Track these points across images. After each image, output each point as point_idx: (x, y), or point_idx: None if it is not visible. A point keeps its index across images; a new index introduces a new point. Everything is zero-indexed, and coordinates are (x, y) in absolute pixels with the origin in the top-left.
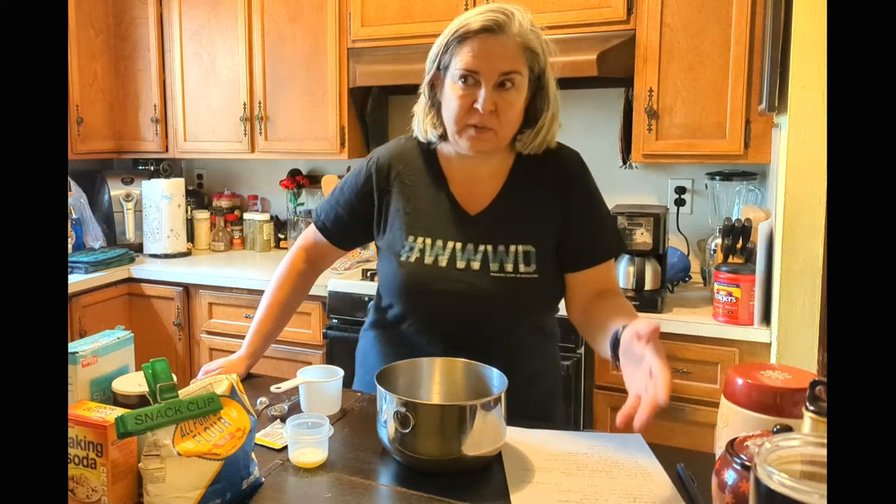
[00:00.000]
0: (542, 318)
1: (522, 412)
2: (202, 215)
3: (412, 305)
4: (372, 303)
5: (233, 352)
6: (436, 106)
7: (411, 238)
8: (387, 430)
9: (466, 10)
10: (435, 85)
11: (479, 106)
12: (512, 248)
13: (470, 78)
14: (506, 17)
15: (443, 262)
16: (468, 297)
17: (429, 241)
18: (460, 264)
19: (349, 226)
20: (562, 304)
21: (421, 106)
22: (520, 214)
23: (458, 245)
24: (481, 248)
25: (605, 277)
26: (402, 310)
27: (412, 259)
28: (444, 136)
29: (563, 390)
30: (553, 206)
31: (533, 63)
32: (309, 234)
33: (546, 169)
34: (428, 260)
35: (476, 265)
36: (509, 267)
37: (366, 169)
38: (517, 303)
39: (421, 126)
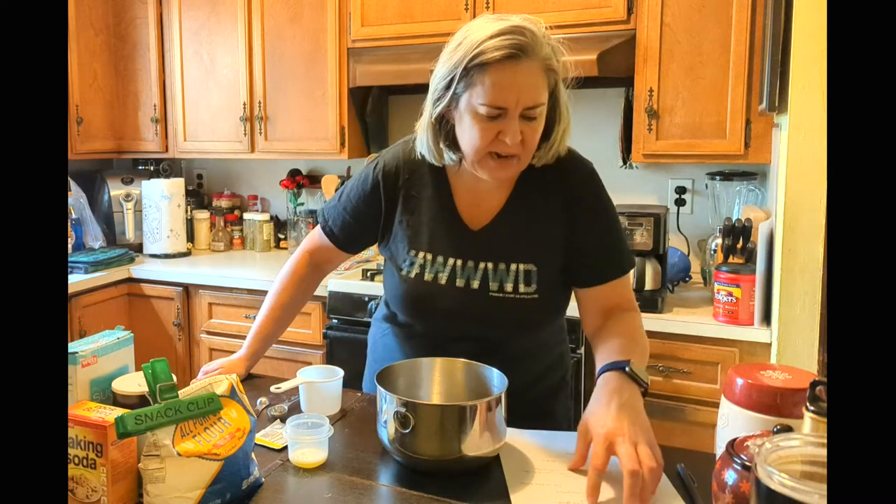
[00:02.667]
0: (545, 329)
1: (524, 409)
2: (202, 215)
3: (414, 318)
4: (383, 297)
5: (233, 352)
6: (446, 130)
7: (412, 252)
8: (387, 430)
9: (466, 10)
10: (447, 111)
11: (507, 140)
12: (513, 266)
13: (494, 110)
14: (526, 38)
15: (442, 279)
16: (467, 315)
17: (429, 256)
18: (460, 282)
19: (357, 231)
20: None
21: (428, 130)
22: (523, 230)
23: (459, 262)
24: (482, 265)
25: (617, 293)
26: (405, 319)
27: (412, 275)
28: (462, 158)
29: (569, 386)
30: (560, 219)
31: (551, 81)
32: (315, 237)
33: (555, 179)
34: (428, 277)
35: (475, 284)
36: (509, 287)
37: (373, 176)
38: (516, 322)
39: (433, 151)
